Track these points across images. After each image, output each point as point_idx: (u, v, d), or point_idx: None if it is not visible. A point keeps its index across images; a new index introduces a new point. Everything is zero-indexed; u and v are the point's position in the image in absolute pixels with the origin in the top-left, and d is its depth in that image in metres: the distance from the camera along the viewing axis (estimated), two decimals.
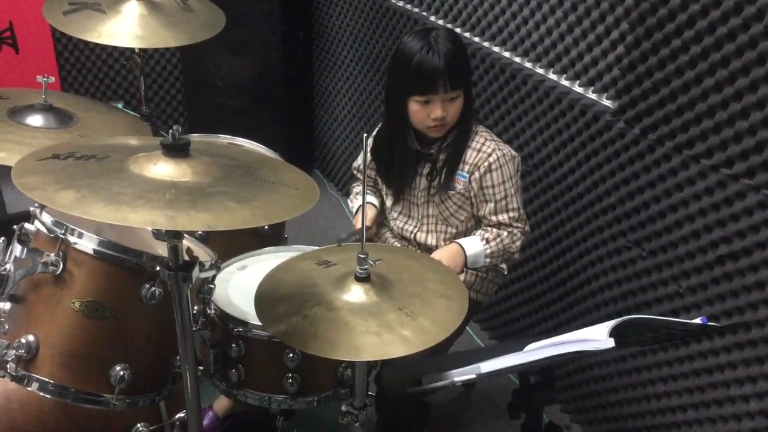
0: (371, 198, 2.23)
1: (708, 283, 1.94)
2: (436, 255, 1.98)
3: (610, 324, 1.30)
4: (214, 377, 1.78)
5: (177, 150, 1.26)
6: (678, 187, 1.97)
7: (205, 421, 2.22)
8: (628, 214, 2.14)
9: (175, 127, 1.29)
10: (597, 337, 1.29)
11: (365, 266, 1.43)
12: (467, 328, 2.83)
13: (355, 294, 1.43)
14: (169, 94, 3.99)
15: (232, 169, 1.33)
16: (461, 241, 2.02)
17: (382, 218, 2.25)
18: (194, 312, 1.68)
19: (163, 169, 1.24)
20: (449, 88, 1.91)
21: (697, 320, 1.40)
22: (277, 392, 1.73)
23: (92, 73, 3.81)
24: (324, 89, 3.74)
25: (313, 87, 3.82)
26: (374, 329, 1.36)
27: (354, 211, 2.25)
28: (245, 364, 1.73)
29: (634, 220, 2.13)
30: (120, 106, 3.63)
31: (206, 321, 1.76)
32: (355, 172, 2.34)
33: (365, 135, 1.36)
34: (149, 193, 1.16)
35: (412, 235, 2.15)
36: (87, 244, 1.49)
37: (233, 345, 1.71)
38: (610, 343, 1.26)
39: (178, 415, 1.75)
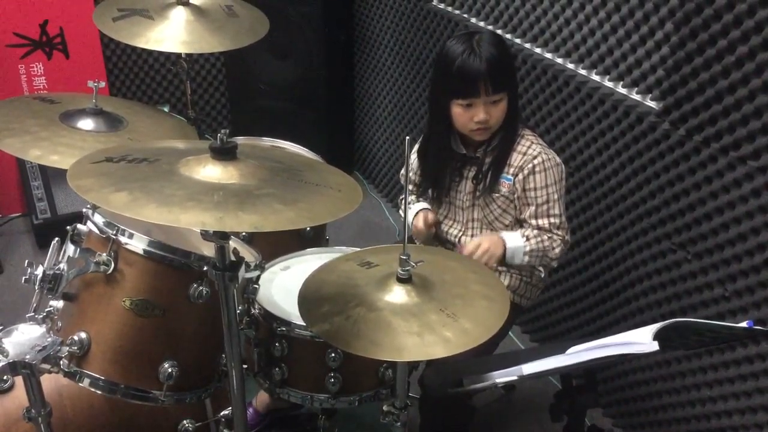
0: (425, 204, 2.24)
1: (755, 286, 1.90)
2: (476, 239, 1.99)
3: (654, 327, 1.29)
4: (258, 375, 1.81)
5: (225, 153, 1.30)
6: (724, 189, 1.94)
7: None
8: (673, 216, 2.12)
9: (222, 131, 1.32)
10: (641, 340, 1.28)
11: (407, 267, 1.44)
12: (515, 338, 2.82)
13: (397, 295, 1.45)
14: (214, 98, 4.06)
15: (278, 171, 1.35)
16: (503, 233, 2.02)
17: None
18: (239, 311, 1.72)
19: (212, 172, 1.27)
20: (491, 92, 1.91)
21: (743, 324, 1.38)
22: (320, 391, 1.75)
23: (139, 77, 3.89)
24: (365, 92, 3.77)
25: (354, 90, 3.85)
26: (416, 330, 1.37)
27: (411, 218, 2.18)
28: (288, 362, 1.75)
29: (679, 223, 2.10)
30: (166, 109, 3.71)
31: (251, 320, 1.79)
32: (402, 180, 2.34)
33: (407, 138, 1.37)
34: (199, 195, 1.19)
35: (457, 239, 2.16)
36: (137, 244, 1.53)
37: (277, 344, 1.74)
38: (654, 346, 1.25)
39: (223, 412, 1.79)
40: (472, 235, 2.13)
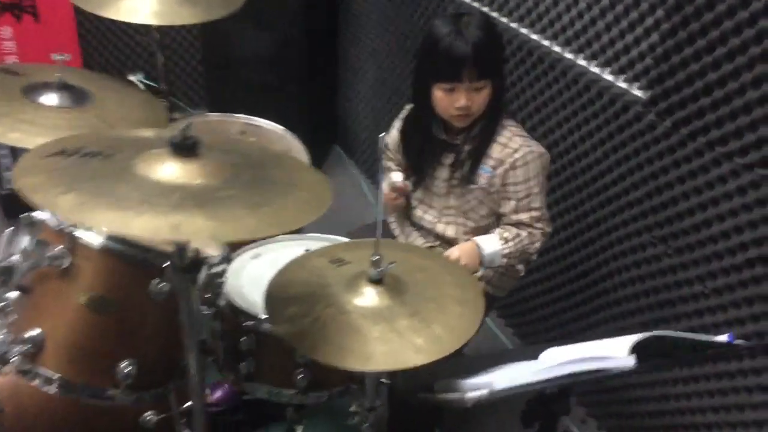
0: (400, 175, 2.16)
1: (735, 285, 1.87)
2: (454, 251, 1.93)
3: (632, 339, 1.25)
4: (223, 369, 1.76)
5: (186, 149, 1.21)
6: (709, 185, 1.89)
7: (220, 393, 2.21)
8: (655, 209, 2.07)
9: (186, 124, 1.23)
10: (618, 353, 1.24)
11: (379, 269, 1.38)
12: (489, 323, 2.77)
13: (368, 297, 1.38)
14: (190, 67, 3.93)
15: (243, 168, 1.27)
16: (479, 239, 1.97)
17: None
18: (204, 304, 1.65)
19: (171, 171, 1.18)
20: (475, 78, 1.83)
21: (724, 337, 1.34)
22: (288, 386, 1.70)
23: (113, 44, 3.77)
24: (348, 64, 3.67)
25: (337, 62, 3.75)
26: (386, 336, 1.31)
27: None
28: (255, 357, 1.70)
29: (660, 216, 2.06)
30: (140, 77, 3.58)
31: (217, 312, 1.72)
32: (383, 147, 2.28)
33: (380, 136, 1.30)
34: (154, 198, 1.11)
35: (432, 226, 2.10)
36: (94, 238, 1.46)
37: (244, 338, 1.68)
38: (631, 361, 1.21)
39: (186, 405, 1.73)
40: (447, 223, 2.08)
